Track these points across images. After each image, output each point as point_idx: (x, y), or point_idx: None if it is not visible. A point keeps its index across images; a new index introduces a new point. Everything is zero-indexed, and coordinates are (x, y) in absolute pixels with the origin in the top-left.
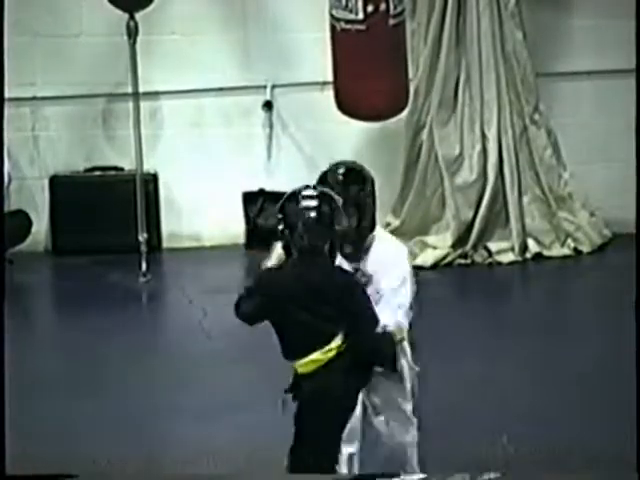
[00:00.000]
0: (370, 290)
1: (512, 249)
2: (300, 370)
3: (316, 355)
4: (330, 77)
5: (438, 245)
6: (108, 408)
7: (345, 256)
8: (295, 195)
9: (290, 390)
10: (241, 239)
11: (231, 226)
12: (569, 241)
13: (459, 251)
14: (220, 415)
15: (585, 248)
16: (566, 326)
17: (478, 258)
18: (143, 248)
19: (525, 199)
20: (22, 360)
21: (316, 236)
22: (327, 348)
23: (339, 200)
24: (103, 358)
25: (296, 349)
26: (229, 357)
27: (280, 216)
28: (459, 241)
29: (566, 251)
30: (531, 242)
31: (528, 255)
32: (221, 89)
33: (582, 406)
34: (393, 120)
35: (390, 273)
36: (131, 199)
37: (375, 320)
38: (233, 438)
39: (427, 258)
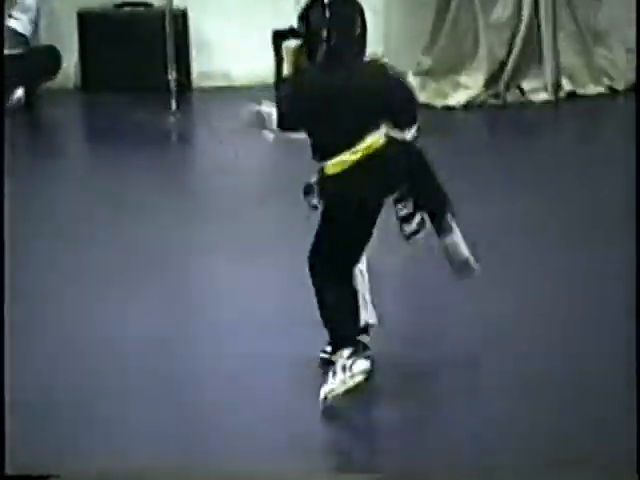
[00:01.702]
0: None
1: (545, 88)
2: (327, 171)
3: (345, 156)
4: None
5: (470, 85)
6: (140, 243)
7: None
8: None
9: (307, 190)
10: (271, 79)
11: (261, 66)
12: (604, 79)
13: (491, 90)
14: (251, 257)
15: (619, 86)
16: (597, 167)
17: (511, 98)
18: (172, 86)
19: (560, 35)
20: (54, 197)
21: (346, 34)
22: (354, 149)
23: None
24: (133, 195)
25: (324, 149)
26: (258, 195)
27: (303, 21)
28: (492, 80)
29: (600, 89)
30: (565, 80)
31: (561, 94)
32: None
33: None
34: None
35: None
36: (160, 36)
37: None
38: (258, 277)
39: (459, 98)
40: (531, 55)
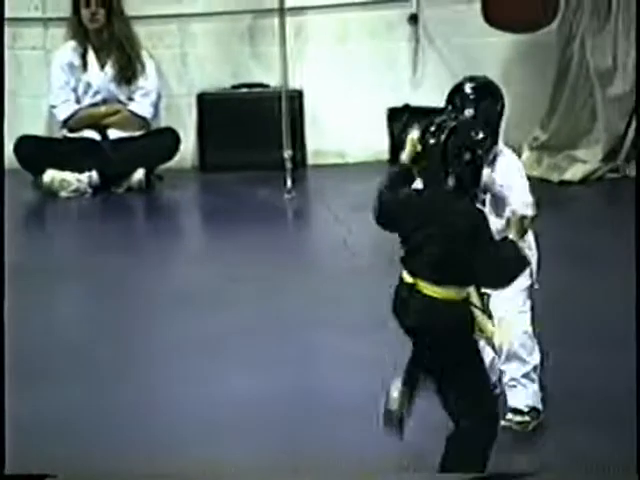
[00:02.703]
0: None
1: None
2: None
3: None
4: None
5: (588, 159)
6: (253, 320)
7: None
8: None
9: None
10: (385, 155)
11: (375, 143)
12: None
13: (610, 165)
14: (364, 331)
15: None
16: None
17: (630, 171)
18: (288, 165)
19: None
20: (172, 274)
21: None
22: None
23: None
24: (250, 274)
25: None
26: (373, 274)
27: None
28: (610, 154)
29: None
30: None
31: None
32: (366, 3)
33: None
34: (543, 31)
35: (517, 184)
36: (277, 116)
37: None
38: (376, 355)
39: (576, 172)
40: None
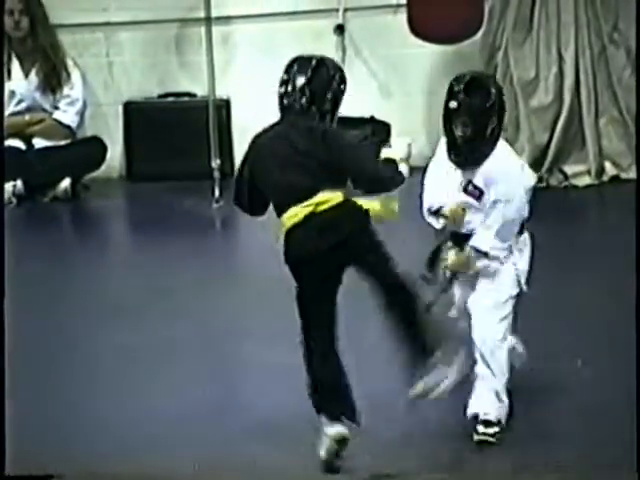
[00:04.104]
0: (479, 204)
1: (588, 172)
2: (286, 223)
3: (295, 210)
4: (403, 0)
5: None
6: (182, 330)
7: (457, 164)
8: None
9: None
10: None
11: None
12: None
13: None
14: (291, 341)
15: None
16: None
17: (553, 181)
18: (216, 174)
19: (602, 121)
20: (98, 284)
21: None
22: (306, 203)
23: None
24: (178, 282)
25: (278, 206)
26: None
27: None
28: (534, 164)
29: None
30: (608, 165)
31: (605, 178)
32: (293, 13)
33: None
34: (467, 43)
35: (497, 187)
36: (204, 125)
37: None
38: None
39: None
40: (573, 140)
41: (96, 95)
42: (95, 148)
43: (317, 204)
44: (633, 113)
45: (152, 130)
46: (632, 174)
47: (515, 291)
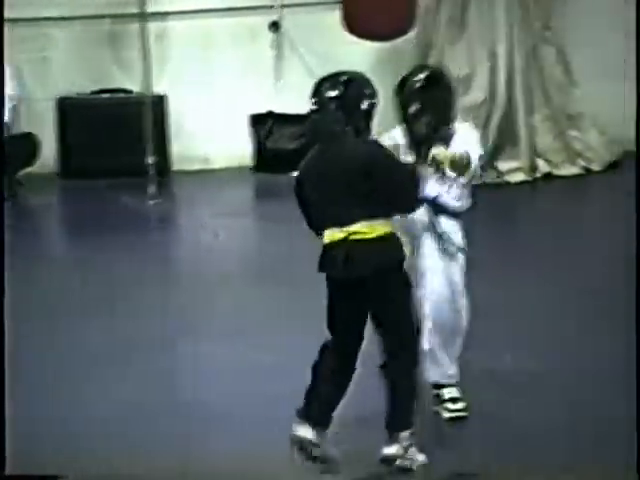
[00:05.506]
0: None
1: (522, 169)
2: (324, 240)
3: (332, 231)
4: None
5: None
6: (118, 328)
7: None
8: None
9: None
10: (248, 161)
11: (239, 149)
12: (579, 160)
13: None
14: (231, 337)
15: (595, 167)
16: (575, 246)
17: (487, 178)
18: (151, 171)
19: (535, 118)
20: (33, 284)
21: (327, 122)
22: (344, 229)
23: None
24: (112, 279)
25: (317, 226)
26: (240, 279)
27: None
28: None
29: (576, 170)
30: (541, 162)
31: (538, 175)
32: (228, 9)
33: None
34: (402, 39)
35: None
36: (140, 121)
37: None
38: (243, 360)
39: None
40: (507, 137)
41: (30, 91)
42: (29, 144)
43: (352, 232)
44: (565, 110)
45: (87, 126)
46: (564, 171)
47: (460, 269)
